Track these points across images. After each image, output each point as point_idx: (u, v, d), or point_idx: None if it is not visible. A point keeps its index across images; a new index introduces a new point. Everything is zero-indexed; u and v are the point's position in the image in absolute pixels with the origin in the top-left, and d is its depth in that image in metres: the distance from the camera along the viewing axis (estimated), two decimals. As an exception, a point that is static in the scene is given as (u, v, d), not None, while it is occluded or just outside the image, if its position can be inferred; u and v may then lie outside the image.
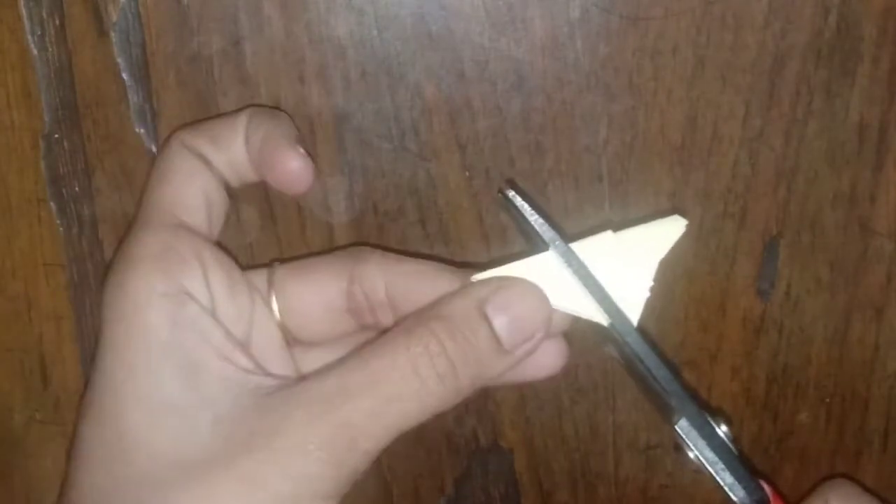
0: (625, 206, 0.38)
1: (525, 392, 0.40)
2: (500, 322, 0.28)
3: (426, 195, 0.38)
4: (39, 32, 0.36)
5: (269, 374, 0.29)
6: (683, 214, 0.30)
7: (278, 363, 0.32)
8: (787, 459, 0.42)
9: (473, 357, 0.28)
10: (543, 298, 0.29)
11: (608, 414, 0.41)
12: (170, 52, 0.36)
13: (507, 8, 0.36)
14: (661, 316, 0.39)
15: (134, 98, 0.36)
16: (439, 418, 0.40)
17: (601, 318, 0.30)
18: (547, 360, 0.31)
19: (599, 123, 0.37)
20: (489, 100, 0.37)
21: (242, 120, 0.32)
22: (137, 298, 0.28)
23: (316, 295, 0.32)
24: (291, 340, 0.33)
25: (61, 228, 0.38)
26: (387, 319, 0.32)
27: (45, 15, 0.36)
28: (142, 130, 0.37)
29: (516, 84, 0.36)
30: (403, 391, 0.27)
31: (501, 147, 0.37)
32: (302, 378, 0.29)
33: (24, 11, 0.36)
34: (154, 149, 0.37)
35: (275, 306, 0.32)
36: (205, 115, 0.36)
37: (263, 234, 0.38)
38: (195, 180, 0.31)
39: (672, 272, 0.39)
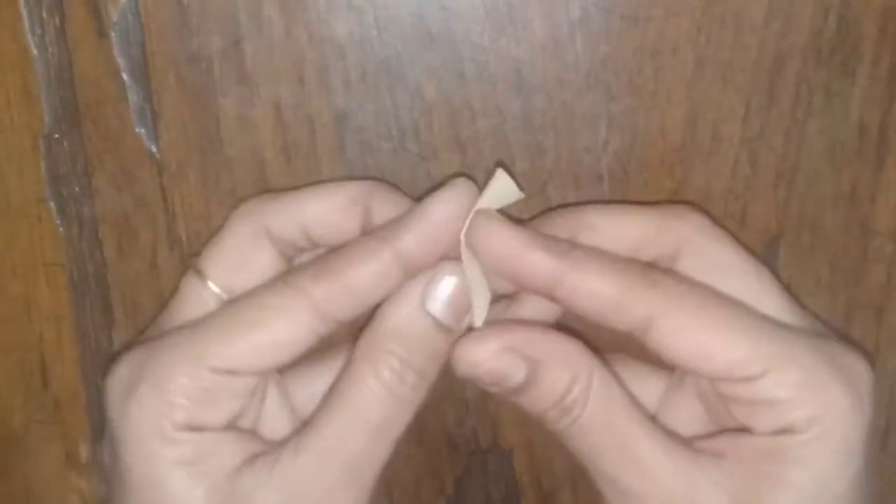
0: (625, 206, 0.38)
1: (525, 392, 0.40)
2: (439, 310, 0.31)
3: (426, 195, 0.37)
4: (39, 32, 0.36)
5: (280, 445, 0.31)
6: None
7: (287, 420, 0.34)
8: (787, 459, 0.42)
9: (432, 353, 0.31)
10: (461, 271, 0.31)
11: (608, 414, 0.41)
12: (170, 52, 0.36)
13: (507, 8, 0.36)
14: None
15: (134, 98, 0.36)
16: (439, 418, 0.41)
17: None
18: None
19: (599, 123, 0.37)
20: (489, 100, 0.37)
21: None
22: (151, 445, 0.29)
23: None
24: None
25: (61, 228, 0.38)
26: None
27: (45, 15, 0.36)
28: (142, 130, 0.37)
29: (516, 84, 0.36)
30: (388, 414, 0.30)
31: (501, 147, 0.37)
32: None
33: (24, 11, 0.36)
34: (154, 149, 0.37)
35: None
36: (205, 115, 0.36)
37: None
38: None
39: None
